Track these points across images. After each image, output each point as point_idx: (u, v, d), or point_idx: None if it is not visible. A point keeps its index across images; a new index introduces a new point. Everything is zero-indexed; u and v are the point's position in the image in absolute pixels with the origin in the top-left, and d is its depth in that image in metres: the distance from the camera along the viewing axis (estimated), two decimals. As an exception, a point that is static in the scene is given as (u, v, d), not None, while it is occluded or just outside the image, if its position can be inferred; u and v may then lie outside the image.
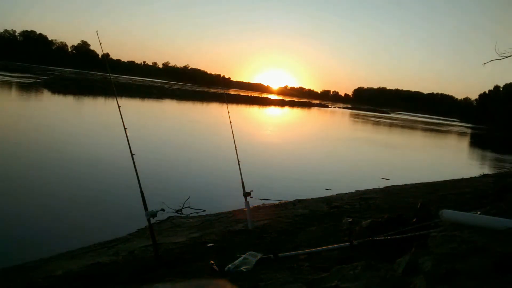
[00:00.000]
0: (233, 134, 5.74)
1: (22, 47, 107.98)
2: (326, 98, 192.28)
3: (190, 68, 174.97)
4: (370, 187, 9.98)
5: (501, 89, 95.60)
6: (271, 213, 6.63)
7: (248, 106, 51.78)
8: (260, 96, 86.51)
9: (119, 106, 4.40)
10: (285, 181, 10.43)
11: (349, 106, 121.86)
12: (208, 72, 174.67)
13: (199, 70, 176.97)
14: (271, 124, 33.34)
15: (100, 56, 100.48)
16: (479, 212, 3.21)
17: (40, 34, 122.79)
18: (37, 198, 6.89)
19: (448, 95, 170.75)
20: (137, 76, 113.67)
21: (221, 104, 42.72)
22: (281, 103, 73.80)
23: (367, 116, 71.43)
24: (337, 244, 3.91)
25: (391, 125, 52.19)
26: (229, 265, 3.56)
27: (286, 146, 18.13)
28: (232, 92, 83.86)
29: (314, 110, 71.73)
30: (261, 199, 8.04)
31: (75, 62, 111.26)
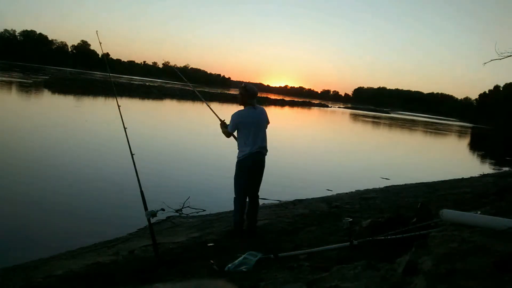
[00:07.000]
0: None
1: (22, 47, 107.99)
2: (326, 98, 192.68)
3: (190, 68, 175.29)
4: (370, 187, 9.97)
5: (501, 89, 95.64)
6: (271, 213, 6.62)
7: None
8: (260, 96, 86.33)
9: (118, 106, 4.41)
10: (285, 181, 10.42)
11: (349, 106, 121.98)
12: (208, 72, 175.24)
13: (199, 70, 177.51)
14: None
15: (100, 56, 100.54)
16: (479, 212, 3.21)
17: (40, 34, 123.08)
18: (37, 198, 6.88)
19: (448, 95, 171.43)
20: (137, 76, 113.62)
21: (221, 104, 42.69)
22: (281, 103, 73.77)
23: (367, 116, 71.41)
24: (337, 244, 3.91)
25: (391, 125, 52.18)
26: (229, 265, 3.56)
27: (286, 146, 18.12)
28: (232, 92, 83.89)
29: (314, 110, 71.70)
30: (261, 199, 8.02)
31: (75, 62, 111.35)
